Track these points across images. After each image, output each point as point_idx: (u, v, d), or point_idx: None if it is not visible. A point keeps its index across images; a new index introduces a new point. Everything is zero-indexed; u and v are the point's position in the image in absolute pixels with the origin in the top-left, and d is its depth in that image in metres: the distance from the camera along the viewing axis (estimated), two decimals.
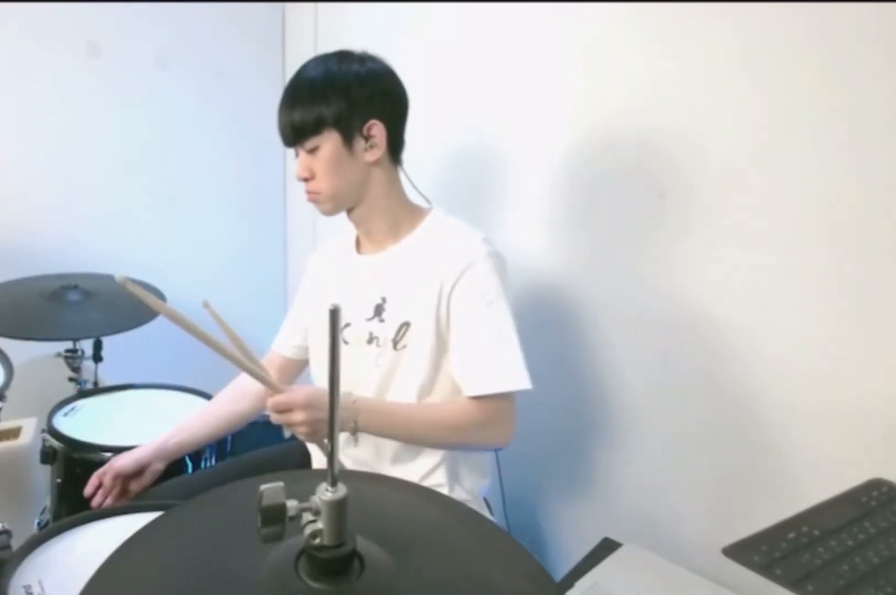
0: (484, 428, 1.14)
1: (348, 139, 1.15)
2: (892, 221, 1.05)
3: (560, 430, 1.61)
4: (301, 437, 1.07)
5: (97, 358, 1.82)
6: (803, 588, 0.65)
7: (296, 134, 1.16)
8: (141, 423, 1.57)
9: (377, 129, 1.16)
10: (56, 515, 1.50)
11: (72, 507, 1.45)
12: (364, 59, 1.19)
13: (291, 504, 0.53)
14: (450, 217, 1.26)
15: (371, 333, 1.21)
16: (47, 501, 1.54)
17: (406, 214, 1.24)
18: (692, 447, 1.35)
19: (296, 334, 1.41)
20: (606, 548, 1.30)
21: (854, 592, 0.65)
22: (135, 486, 1.31)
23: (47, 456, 1.45)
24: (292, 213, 2.44)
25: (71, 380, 1.84)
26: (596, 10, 1.40)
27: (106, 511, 1.14)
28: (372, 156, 1.17)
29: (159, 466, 1.32)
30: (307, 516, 0.54)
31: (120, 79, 2.02)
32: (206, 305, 1.00)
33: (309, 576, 0.54)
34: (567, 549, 1.61)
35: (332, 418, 0.56)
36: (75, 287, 1.72)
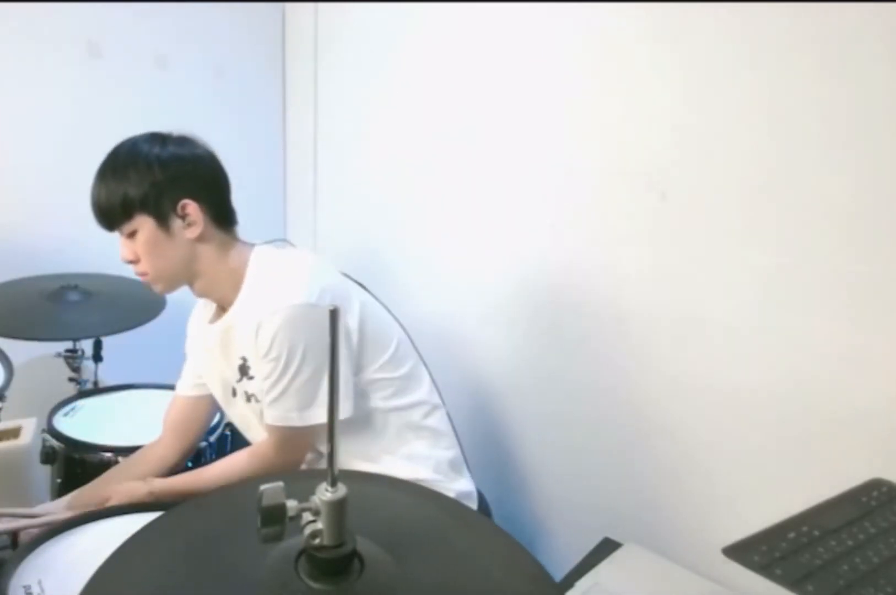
0: (261, 471, 1.20)
1: (163, 221, 1.15)
2: (893, 222, 1.05)
3: (560, 430, 1.61)
4: None
5: (97, 358, 1.82)
6: (803, 588, 0.65)
7: (107, 220, 1.16)
8: (141, 423, 1.57)
9: (191, 208, 1.16)
10: None
11: None
12: (168, 141, 1.18)
13: (291, 504, 0.53)
14: (269, 258, 1.22)
15: (246, 392, 1.24)
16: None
17: (240, 276, 1.21)
18: (692, 447, 1.35)
19: (192, 374, 1.39)
20: (606, 548, 1.30)
21: (854, 592, 0.65)
22: None
23: (47, 456, 1.45)
24: (292, 212, 2.44)
25: (71, 380, 1.83)
26: (596, 9, 1.40)
27: (106, 511, 1.14)
28: (192, 233, 1.17)
29: None
30: (307, 516, 0.54)
31: (120, 79, 2.02)
32: None
33: (309, 576, 0.54)
34: (567, 549, 1.61)
35: (332, 419, 0.55)
36: (75, 287, 1.72)
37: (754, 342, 1.23)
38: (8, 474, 1.42)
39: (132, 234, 1.16)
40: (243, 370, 1.22)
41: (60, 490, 1.47)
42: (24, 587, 0.92)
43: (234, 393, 1.29)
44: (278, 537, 0.53)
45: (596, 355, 1.51)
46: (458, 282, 1.83)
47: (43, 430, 1.50)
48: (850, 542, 0.73)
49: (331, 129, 2.20)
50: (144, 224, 1.15)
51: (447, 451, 1.33)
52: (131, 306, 1.75)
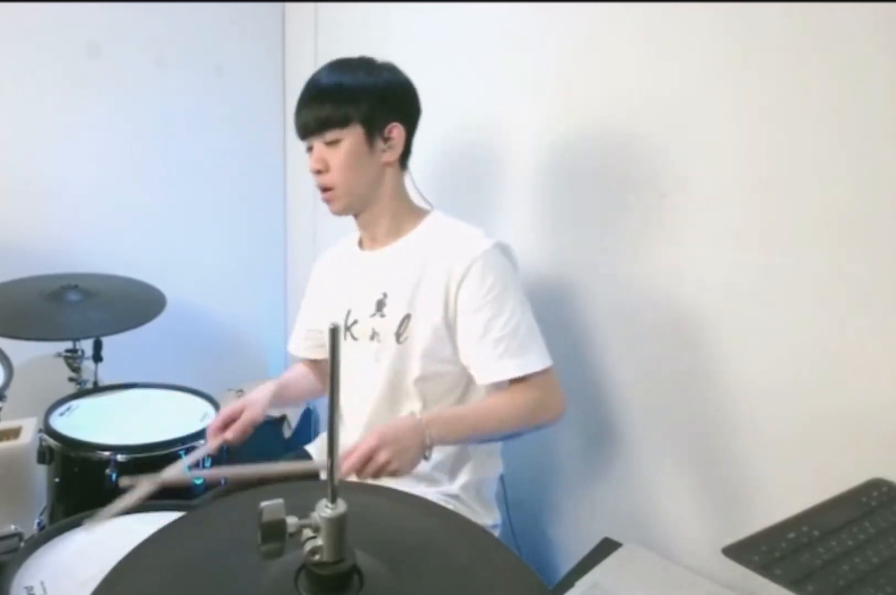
0: (538, 408, 1.16)
1: (370, 137, 1.18)
2: (891, 222, 1.05)
3: (560, 429, 1.61)
4: (395, 476, 1.01)
5: (97, 358, 1.82)
6: (803, 588, 0.65)
7: (319, 125, 1.17)
8: (137, 421, 1.57)
9: (397, 132, 1.20)
10: (53, 514, 1.49)
11: (70, 506, 1.45)
12: (392, 68, 1.22)
13: (291, 520, 0.53)
14: (449, 218, 1.28)
15: (373, 329, 1.24)
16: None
17: (408, 216, 1.27)
18: (692, 447, 1.36)
19: (308, 337, 1.44)
20: (606, 548, 1.31)
21: (854, 592, 0.65)
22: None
23: (44, 455, 1.45)
24: (292, 212, 2.44)
25: (71, 380, 1.83)
26: (594, 8, 1.40)
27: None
28: (389, 157, 1.20)
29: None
30: (307, 532, 0.54)
31: (120, 79, 2.02)
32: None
33: (309, 591, 0.54)
34: (567, 549, 1.61)
35: (332, 435, 0.55)
36: (75, 287, 1.72)
37: (754, 342, 1.23)
38: (8, 474, 1.42)
39: (333, 143, 1.18)
40: (379, 305, 1.23)
41: (59, 490, 1.47)
42: (27, 588, 0.92)
43: (355, 335, 1.26)
44: (278, 554, 0.53)
45: (596, 355, 1.51)
46: None
47: (39, 430, 1.50)
48: (850, 542, 0.73)
49: None
50: (352, 135, 1.16)
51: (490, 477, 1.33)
52: (131, 306, 1.75)
